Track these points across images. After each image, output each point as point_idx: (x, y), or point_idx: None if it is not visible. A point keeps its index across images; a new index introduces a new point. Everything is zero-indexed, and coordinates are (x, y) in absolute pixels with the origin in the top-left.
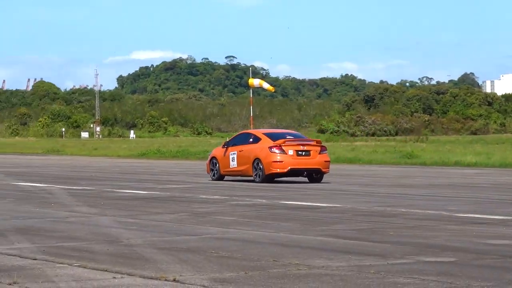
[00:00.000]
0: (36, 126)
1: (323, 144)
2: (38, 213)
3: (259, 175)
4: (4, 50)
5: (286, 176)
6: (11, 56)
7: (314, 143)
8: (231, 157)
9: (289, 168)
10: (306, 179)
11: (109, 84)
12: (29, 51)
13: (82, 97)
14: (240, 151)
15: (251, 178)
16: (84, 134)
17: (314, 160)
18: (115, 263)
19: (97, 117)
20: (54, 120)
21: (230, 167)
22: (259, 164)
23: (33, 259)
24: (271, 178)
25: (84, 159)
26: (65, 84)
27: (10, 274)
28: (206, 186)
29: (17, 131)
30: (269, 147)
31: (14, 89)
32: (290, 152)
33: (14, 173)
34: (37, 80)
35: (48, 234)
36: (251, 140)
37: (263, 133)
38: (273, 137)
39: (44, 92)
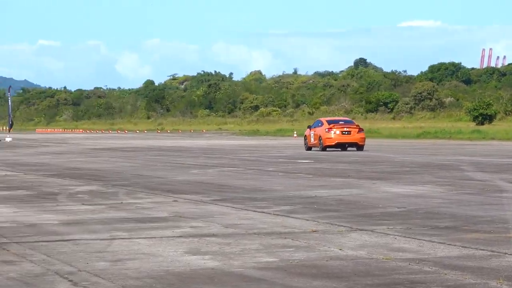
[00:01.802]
0: None
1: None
2: None
3: (320, 146)
4: None
5: (335, 147)
6: None
7: (355, 126)
8: (311, 135)
9: (336, 142)
10: None
11: None
12: None
13: None
14: (314, 131)
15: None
16: None
17: (353, 137)
18: None
19: None
20: None
21: (311, 142)
22: (320, 139)
23: None
24: (326, 148)
25: None
26: None
27: None
28: None
29: None
30: (325, 129)
31: None
32: (337, 132)
33: None
34: None
35: None
36: (319, 124)
37: (325, 120)
38: (330, 122)
39: None
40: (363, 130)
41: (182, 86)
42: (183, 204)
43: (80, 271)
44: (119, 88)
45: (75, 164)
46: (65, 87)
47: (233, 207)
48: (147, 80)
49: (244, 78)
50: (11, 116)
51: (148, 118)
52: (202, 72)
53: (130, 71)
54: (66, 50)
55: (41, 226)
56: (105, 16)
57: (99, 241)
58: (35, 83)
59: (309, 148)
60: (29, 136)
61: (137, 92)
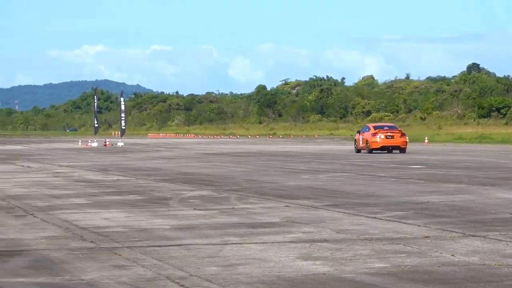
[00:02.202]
0: None
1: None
2: None
3: (367, 149)
4: None
5: (380, 150)
6: None
7: (398, 131)
8: (360, 139)
9: (381, 145)
10: None
11: None
12: None
13: None
14: (362, 136)
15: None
16: None
17: (396, 141)
18: None
19: None
20: None
21: (359, 145)
22: (367, 143)
23: None
24: (372, 150)
25: None
26: None
27: None
28: None
29: None
30: (371, 134)
31: None
32: (382, 136)
33: None
34: None
35: None
36: (367, 130)
37: (372, 126)
38: (376, 128)
39: None
40: (405, 135)
41: (294, 91)
42: (294, 209)
43: (192, 276)
44: (231, 92)
45: (186, 169)
46: (177, 92)
47: (345, 213)
48: (259, 85)
49: (356, 83)
50: (123, 120)
51: (260, 123)
52: (314, 77)
53: (242, 76)
54: (178, 55)
55: (152, 231)
56: (218, 20)
57: (211, 246)
58: (147, 88)
59: (358, 151)
60: (140, 140)
61: (249, 97)
